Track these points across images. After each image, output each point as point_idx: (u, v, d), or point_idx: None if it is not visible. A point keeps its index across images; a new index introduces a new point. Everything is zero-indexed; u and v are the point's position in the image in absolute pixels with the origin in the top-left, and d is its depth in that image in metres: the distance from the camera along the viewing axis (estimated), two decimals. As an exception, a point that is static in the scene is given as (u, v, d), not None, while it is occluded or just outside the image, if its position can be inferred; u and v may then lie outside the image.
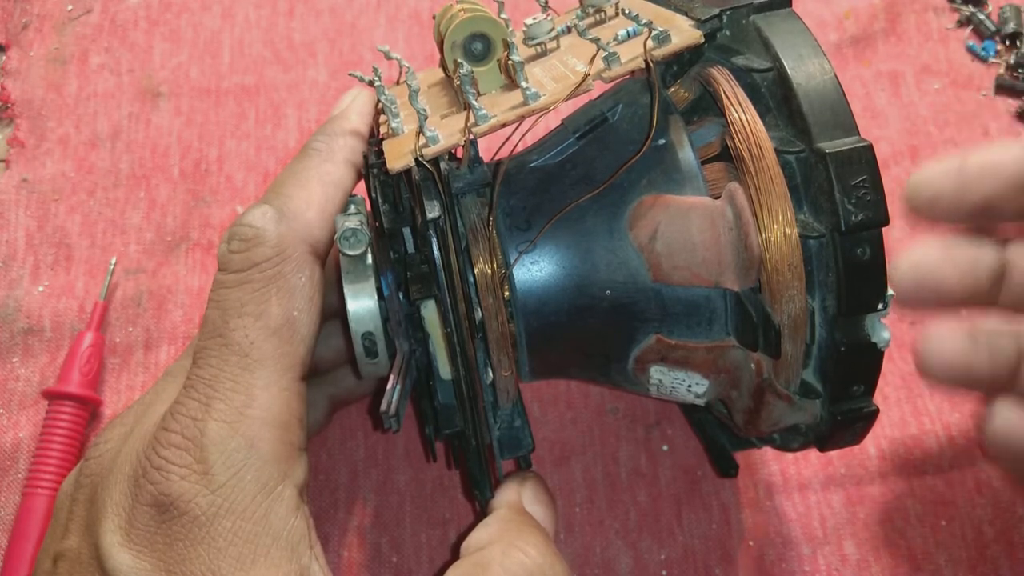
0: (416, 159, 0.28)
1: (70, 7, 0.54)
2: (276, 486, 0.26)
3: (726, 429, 0.37)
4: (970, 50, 0.53)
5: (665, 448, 0.44)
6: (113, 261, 0.46)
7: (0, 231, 0.48)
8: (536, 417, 0.44)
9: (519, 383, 0.33)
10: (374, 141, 0.34)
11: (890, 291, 0.28)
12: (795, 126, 0.28)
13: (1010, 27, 0.53)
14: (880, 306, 0.28)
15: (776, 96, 0.29)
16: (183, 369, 0.29)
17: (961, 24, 0.54)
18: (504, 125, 0.29)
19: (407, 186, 0.30)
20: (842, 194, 0.27)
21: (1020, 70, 0.52)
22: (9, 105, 0.51)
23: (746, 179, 0.28)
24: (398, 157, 0.29)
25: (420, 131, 0.29)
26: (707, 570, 0.41)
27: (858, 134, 0.28)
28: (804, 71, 0.28)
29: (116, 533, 0.26)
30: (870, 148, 0.27)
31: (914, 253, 0.31)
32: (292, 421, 0.27)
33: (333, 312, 0.36)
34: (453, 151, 0.30)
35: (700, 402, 0.32)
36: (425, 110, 0.29)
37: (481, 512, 0.34)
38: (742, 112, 0.29)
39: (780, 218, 0.28)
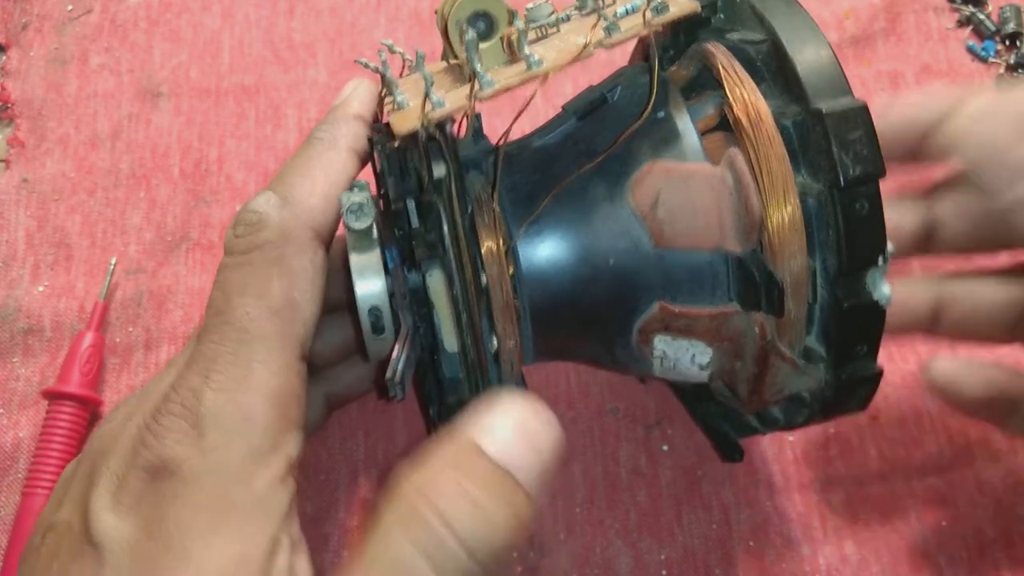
0: (423, 124, 0.29)
1: (70, 7, 0.54)
2: (266, 455, 0.26)
3: (729, 419, 0.37)
4: (970, 50, 0.53)
5: (665, 448, 0.44)
6: (113, 261, 0.46)
7: (0, 231, 0.48)
8: (536, 417, 0.44)
9: (523, 365, 0.33)
10: (378, 126, 0.34)
11: (890, 246, 0.29)
12: (791, 92, 0.29)
13: (1010, 27, 0.53)
14: (880, 260, 0.28)
15: (771, 66, 0.30)
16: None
17: (961, 24, 0.54)
18: (508, 89, 0.29)
19: (413, 158, 0.31)
20: (839, 149, 0.27)
21: (1020, 70, 0.52)
22: (9, 105, 0.51)
23: (745, 143, 0.29)
24: (404, 123, 0.29)
25: (426, 97, 0.29)
26: (707, 570, 0.41)
27: (853, 96, 0.29)
28: (798, 39, 0.29)
29: (105, 498, 0.26)
30: (865, 107, 0.28)
31: None
32: (289, 397, 0.27)
33: (333, 305, 0.36)
34: (456, 129, 0.30)
35: (704, 375, 0.32)
36: (431, 75, 0.29)
37: None
38: (738, 80, 0.30)
39: (779, 179, 0.28)
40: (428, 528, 0.24)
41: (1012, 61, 0.52)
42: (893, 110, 0.36)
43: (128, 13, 0.54)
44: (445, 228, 0.29)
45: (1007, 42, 0.53)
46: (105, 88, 0.52)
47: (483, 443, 0.26)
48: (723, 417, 0.38)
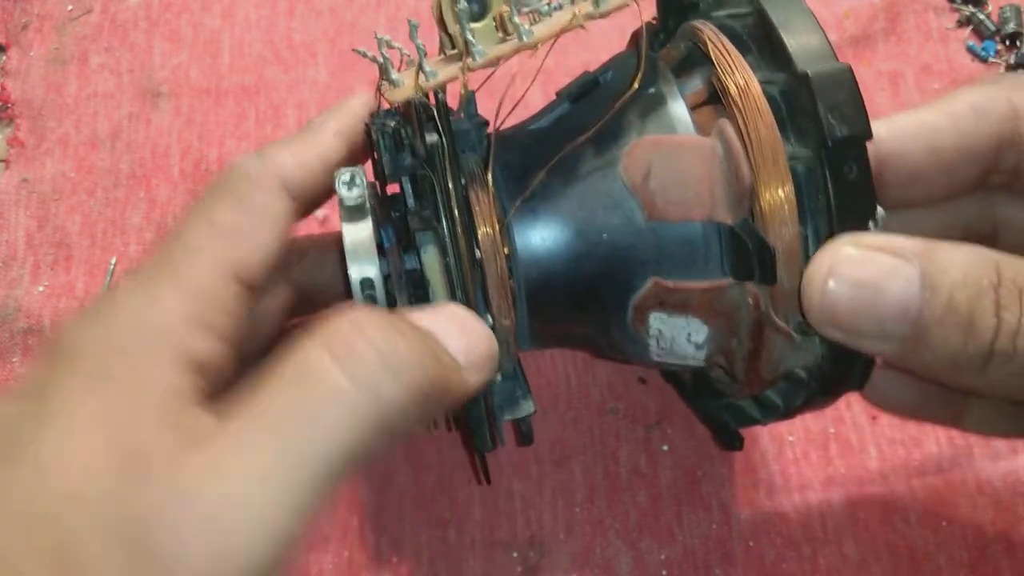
0: (416, 94, 0.29)
1: (70, 7, 0.54)
2: (163, 335, 0.26)
3: (729, 410, 0.37)
4: (970, 50, 0.53)
5: (665, 448, 0.44)
6: (113, 261, 0.46)
7: (0, 231, 0.48)
8: (536, 417, 0.44)
9: (519, 350, 0.33)
10: (377, 114, 0.34)
11: (880, 210, 0.29)
12: (778, 62, 0.30)
13: (1010, 27, 0.53)
14: (872, 225, 0.28)
15: (758, 37, 0.31)
16: None
17: (961, 24, 0.54)
18: (499, 58, 0.30)
19: (408, 129, 0.31)
20: (826, 111, 0.28)
21: (1020, 70, 0.52)
22: (9, 105, 0.51)
23: (734, 113, 0.29)
24: (398, 93, 0.30)
25: (420, 68, 0.30)
26: (707, 570, 0.41)
27: (837, 60, 0.29)
28: (782, 8, 0.30)
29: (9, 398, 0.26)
30: (849, 69, 0.28)
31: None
32: (208, 303, 0.27)
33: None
34: (449, 105, 0.30)
35: (700, 356, 0.32)
36: (423, 46, 0.30)
37: (482, 466, 0.34)
38: (726, 52, 0.30)
39: (768, 146, 0.29)
40: (340, 335, 0.24)
41: (1012, 61, 0.52)
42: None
43: (128, 13, 0.54)
44: (439, 197, 0.29)
45: (1007, 42, 0.53)
46: (105, 88, 0.52)
47: (412, 315, 0.26)
48: (723, 409, 0.38)
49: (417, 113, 0.30)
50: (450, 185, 0.29)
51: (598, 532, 0.42)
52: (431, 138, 0.29)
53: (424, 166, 0.29)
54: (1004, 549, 0.41)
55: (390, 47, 0.34)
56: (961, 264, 0.26)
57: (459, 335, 0.27)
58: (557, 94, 0.34)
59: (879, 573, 0.41)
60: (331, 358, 0.24)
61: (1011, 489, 0.42)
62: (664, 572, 0.41)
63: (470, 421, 0.32)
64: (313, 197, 0.32)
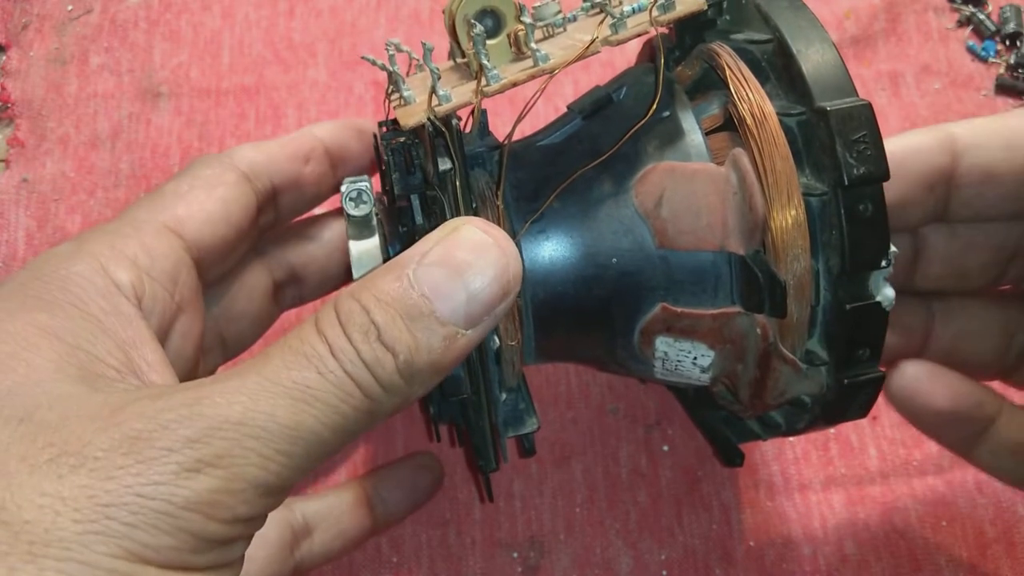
0: (429, 119, 0.29)
1: (70, 7, 0.54)
2: (105, 289, 0.27)
3: (730, 423, 0.37)
4: (970, 50, 0.53)
5: (665, 448, 0.44)
6: (113, 261, 0.46)
7: (0, 231, 0.48)
8: (536, 417, 0.44)
9: (523, 365, 0.33)
10: (384, 122, 0.34)
11: (893, 248, 0.29)
12: (796, 92, 0.29)
13: (1010, 27, 0.53)
14: (884, 263, 0.28)
15: (776, 66, 0.30)
16: None
17: (961, 24, 0.54)
18: (515, 84, 0.29)
19: (419, 154, 0.31)
20: (843, 149, 0.27)
21: (1020, 70, 0.52)
22: (9, 105, 0.51)
23: (749, 143, 0.29)
24: (410, 117, 0.30)
25: (433, 91, 0.29)
26: (707, 570, 0.41)
27: (857, 95, 0.28)
28: (803, 38, 0.29)
29: None
30: (869, 106, 0.28)
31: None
32: (140, 248, 0.29)
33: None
34: (462, 126, 0.30)
35: (705, 379, 0.32)
36: (437, 70, 0.29)
37: (486, 485, 0.34)
38: (743, 79, 0.30)
39: (783, 179, 0.28)
40: (339, 312, 0.24)
41: (1012, 61, 0.52)
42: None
43: (128, 13, 0.54)
44: (450, 216, 0.29)
45: (1007, 42, 0.53)
46: (105, 88, 0.52)
47: (408, 268, 0.25)
48: (724, 422, 0.38)
49: (430, 137, 0.29)
50: (461, 214, 0.28)
51: (598, 532, 0.42)
52: (444, 165, 0.28)
53: (435, 187, 0.29)
54: (1004, 549, 0.41)
55: (399, 51, 0.33)
56: None
57: (463, 288, 0.25)
58: (569, 107, 0.34)
59: (879, 573, 0.41)
60: (319, 332, 0.24)
61: (1011, 489, 0.42)
62: (664, 572, 0.41)
63: (474, 441, 0.32)
64: (279, 179, 0.34)
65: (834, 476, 0.43)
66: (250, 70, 0.53)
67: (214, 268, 0.33)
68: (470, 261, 0.25)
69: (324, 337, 0.24)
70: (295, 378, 0.23)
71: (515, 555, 0.42)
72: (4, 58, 0.52)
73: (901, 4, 0.54)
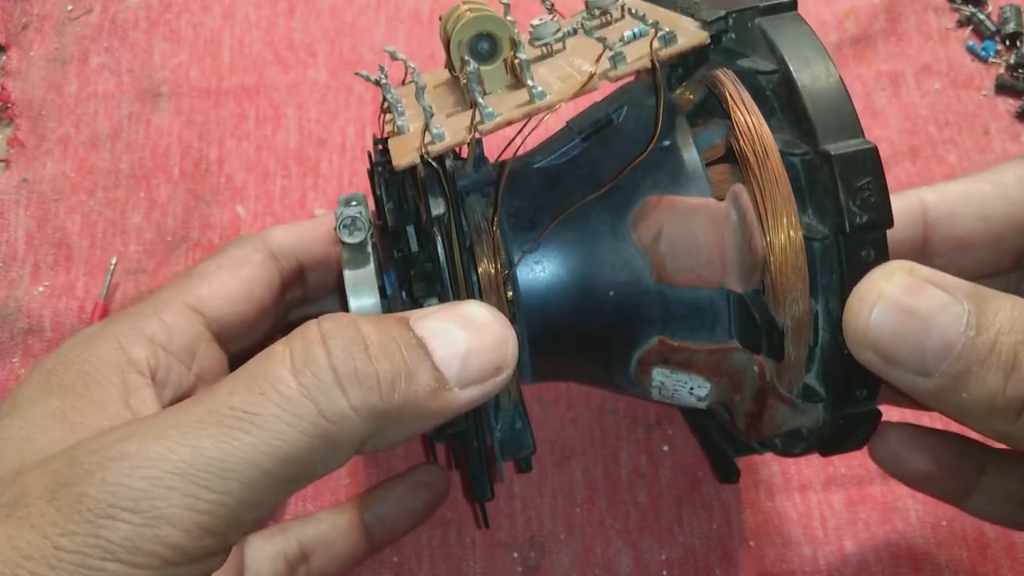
0: (421, 156, 0.28)
1: (70, 7, 0.54)
2: (126, 345, 0.30)
3: (727, 434, 0.37)
4: (970, 50, 0.53)
5: (666, 448, 0.44)
6: (113, 261, 0.46)
7: (0, 231, 0.48)
8: (537, 417, 0.44)
9: (521, 385, 0.33)
10: (379, 140, 0.34)
11: None
12: (800, 128, 0.28)
13: (1010, 27, 0.53)
14: None
15: (781, 98, 0.29)
16: None
17: (961, 24, 0.54)
18: (510, 123, 0.29)
19: (412, 184, 0.31)
20: (847, 196, 0.26)
21: (1020, 70, 0.52)
22: (9, 105, 0.51)
23: (751, 181, 0.28)
24: (403, 154, 0.29)
25: (426, 128, 0.29)
26: (708, 570, 0.41)
27: (863, 137, 0.27)
28: (810, 73, 0.28)
29: None
30: (875, 150, 0.27)
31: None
32: (161, 327, 0.31)
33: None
34: (458, 150, 0.30)
35: (702, 405, 0.32)
36: (431, 107, 0.29)
37: (482, 512, 0.34)
38: (747, 113, 0.29)
39: (784, 220, 0.28)
40: (304, 341, 0.24)
41: (1012, 61, 0.52)
42: None
43: (128, 13, 0.54)
44: (443, 261, 0.28)
45: (1007, 42, 0.53)
46: (105, 88, 0.52)
47: (417, 316, 0.26)
48: (721, 432, 0.38)
49: (422, 182, 0.29)
50: (455, 258, 0.28)
51: (598, 532, 0.42)
52: (436, 209, 0.28)
53: (428, 224, 0.29)
54: (1004, 549, 0.41)
55: (393, 59, 0.33)
56: (1009, 310, 0.25)
57: (464, 342, 0.25)
58: (568, 124, 0.33)
59: (879, 573, 0.41)
60: (288, 361, 0.24)
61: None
62: (664, 572, 0.41)
63: (470, 470, 0.32)
64: (307, 258, 0.36)
65: (834, 476, 0.43)
66: (250, 70, 0.53)
67: (238, 341, 0.34)
68: (473, 321, 0.26)
69: (289, 352, 0.24)
70: (233, 403, 0.22)
71: (515, 555, 0.42)
72: (4, 58, 0.52)
73: (901, 4, 0.54)
